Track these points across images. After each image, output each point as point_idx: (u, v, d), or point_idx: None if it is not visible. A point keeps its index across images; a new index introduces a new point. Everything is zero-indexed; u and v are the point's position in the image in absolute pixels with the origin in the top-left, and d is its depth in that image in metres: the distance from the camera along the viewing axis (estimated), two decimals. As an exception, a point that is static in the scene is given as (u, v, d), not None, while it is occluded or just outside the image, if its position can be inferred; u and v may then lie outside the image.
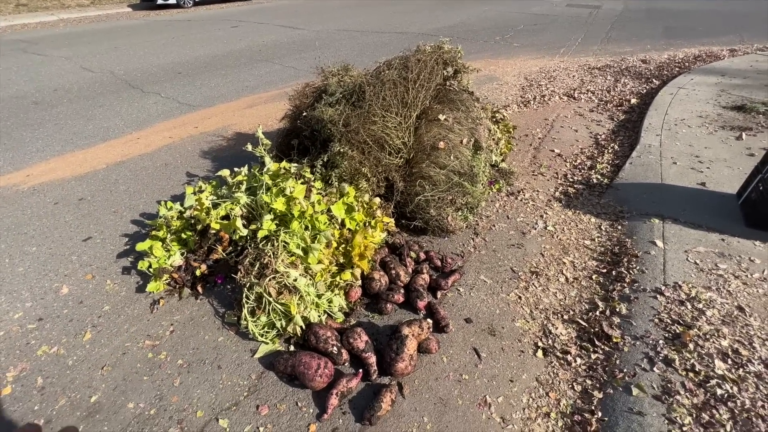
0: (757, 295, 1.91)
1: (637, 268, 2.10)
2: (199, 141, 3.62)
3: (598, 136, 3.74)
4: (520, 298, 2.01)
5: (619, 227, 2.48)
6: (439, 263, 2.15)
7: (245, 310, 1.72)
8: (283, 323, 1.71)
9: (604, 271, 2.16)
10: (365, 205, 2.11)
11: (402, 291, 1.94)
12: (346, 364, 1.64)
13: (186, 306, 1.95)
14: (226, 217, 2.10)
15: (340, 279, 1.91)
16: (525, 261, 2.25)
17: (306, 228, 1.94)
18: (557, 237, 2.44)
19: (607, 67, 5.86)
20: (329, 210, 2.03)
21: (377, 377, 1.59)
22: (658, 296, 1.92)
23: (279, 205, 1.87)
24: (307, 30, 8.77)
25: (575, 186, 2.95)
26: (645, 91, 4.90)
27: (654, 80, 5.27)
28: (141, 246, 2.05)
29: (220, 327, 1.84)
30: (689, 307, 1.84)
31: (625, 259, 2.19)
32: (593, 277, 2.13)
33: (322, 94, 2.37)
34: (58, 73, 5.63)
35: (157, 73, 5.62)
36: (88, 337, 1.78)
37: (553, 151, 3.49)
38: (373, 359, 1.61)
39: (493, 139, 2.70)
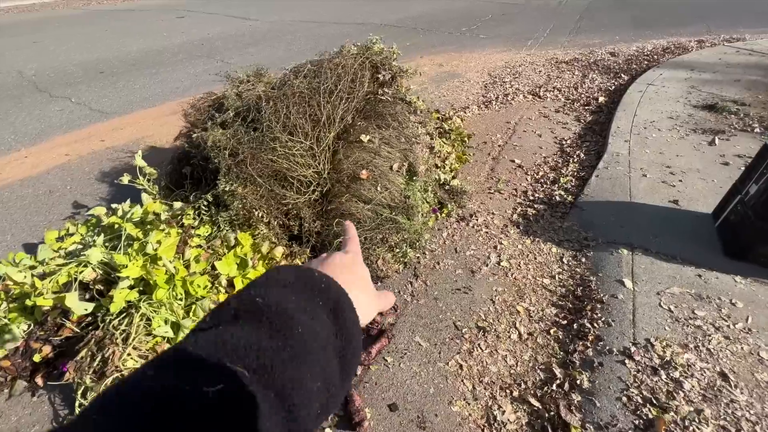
0: (741, 355, 1.57)
1: (603, 319, 1.74)
2: (102, 159, 3.04)
3: (564, 142, 3.39)
4: (461, 367, 1.61)
5: (584, 259, 2.12)
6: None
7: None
8: None
9: (564, 322, 1.79)
10: (265, 258, 1.65)
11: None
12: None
13: (16, 408, 1.45)
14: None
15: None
16: (471, 312, 1.85)
17: (180, 295, 1.47)
18: (512, 275, 2.05)
19: (575, 61, 5.53)
20: (214, 268, 1.56)
21: None
22: (626, 361, 1.55)
23: (132, 271, 1.38)
24: (260, 21, 8.08)
25: (536, 206, 2.57)
26: (614, 87, 4.59)
27: (623, 75, 4.97)
28: (-40, 325, 1.53)
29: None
30: (664, 377, 1.49)
31: (589, 307, 1.82)
32: (551, 331, 1.76)
33: (218, 110, 1.87)
34: (-48, 74, 4.83)
35: (75, 73, 4.90)
36: None
37: (513, 161, 3.10)
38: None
39: (439, 156, 2.28)
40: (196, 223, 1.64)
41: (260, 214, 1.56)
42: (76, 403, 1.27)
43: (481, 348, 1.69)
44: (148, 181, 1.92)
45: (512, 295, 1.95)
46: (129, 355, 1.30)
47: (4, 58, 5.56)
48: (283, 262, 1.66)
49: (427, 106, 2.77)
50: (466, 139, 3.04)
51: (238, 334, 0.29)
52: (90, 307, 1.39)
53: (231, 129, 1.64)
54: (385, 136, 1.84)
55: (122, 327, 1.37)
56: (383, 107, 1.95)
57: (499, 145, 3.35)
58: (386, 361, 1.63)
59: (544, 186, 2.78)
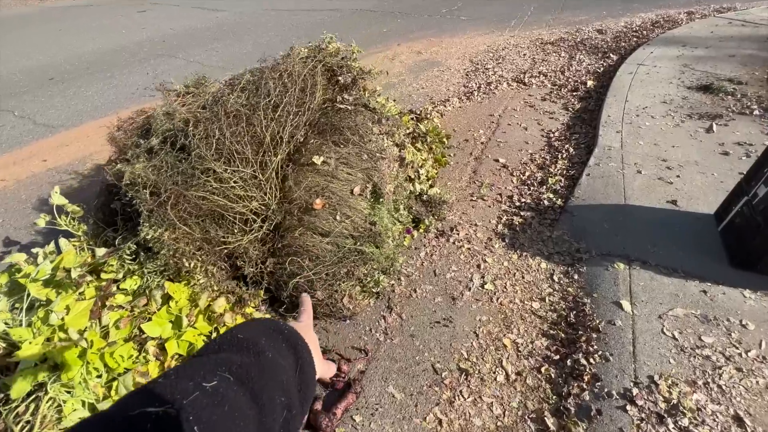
0: (756, 391, 1.38)
1: (600, 352, 1.54)
2: (42, 183, 2.73)
3: (551, 135, 3.14)
4: (440, 422, 1.41)
5: (576, 276, 1.91)
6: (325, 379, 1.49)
7: None
8: None
9: (557, 357, 1.58)
10: (204, 312, 1.40)
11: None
12: None
13: None
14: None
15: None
16: (453, 349, 1.63)
17: (100, 371, 1.22)
18: (497, 300, 1.83)
19: (560, 42, 5.22)
20: (143, 331, 1.31)
21: None
22: (628, 406, 1.36)
23: (30, 350, 1.12)
24: (229, 11, 7.59)
25: (522, 213, 2.34)
26: (602, 69, 4.32)
27: (611, 55, 4.69)
28: None
29: None
30: (671, 425, 1.29)
31: (584, 337, 1.61)
32: (542, 369, 1.55)
33: (146, 134, 1.59)
34: None
35: (20, 81, 4.49)
36: None
37: (497, 161, 2.85)
38: None
39: (412, 167, 2.02)
40: (121, 275, 1.39)
41: (192, 264, 1.31)
42: None
43: (463, 396, 1.48)
44: (73, 220, 1.65)
45: (498, 324, 1.73)
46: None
47: (-54, 67, 5.10)
48: (227, 314, 1.42)
49: (399, 107, 2.50)
50: (444, 139, 2.78)
51: (223, 355, 0.41)
52: (-17, 397, 1.15)
53: (156, 160, 1.36)
54: (344, 154, 1.58)
55: (26, 416, 1.13)
56: (341, 119, 1.68)
57: (482, 143, 3.09)
58: (354, 420, 1.41)
59: (532, 188, 2.55)
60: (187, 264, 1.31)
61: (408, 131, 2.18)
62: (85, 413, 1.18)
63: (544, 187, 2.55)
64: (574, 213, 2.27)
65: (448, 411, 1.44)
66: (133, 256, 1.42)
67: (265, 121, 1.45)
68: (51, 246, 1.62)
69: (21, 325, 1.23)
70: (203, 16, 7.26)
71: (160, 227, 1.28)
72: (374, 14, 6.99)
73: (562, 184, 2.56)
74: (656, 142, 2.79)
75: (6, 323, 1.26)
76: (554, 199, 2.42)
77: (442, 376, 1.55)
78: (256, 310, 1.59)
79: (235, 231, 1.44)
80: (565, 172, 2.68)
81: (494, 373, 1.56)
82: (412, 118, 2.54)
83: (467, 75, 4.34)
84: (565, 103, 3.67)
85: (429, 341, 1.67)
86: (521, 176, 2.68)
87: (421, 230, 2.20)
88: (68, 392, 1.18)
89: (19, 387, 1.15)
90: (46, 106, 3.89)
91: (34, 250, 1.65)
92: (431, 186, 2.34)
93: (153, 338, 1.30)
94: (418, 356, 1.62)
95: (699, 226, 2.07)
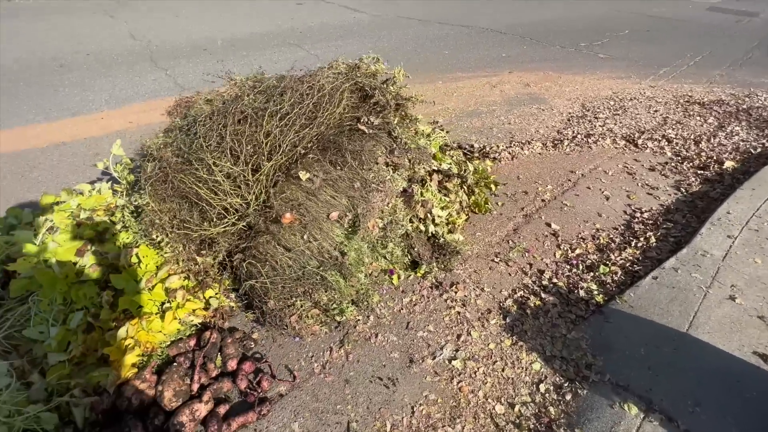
0: None
1: (539, 506, 1.20)
2: (154, 131, 3.35)
3: (636, 216, 2.56)
4: (320, 488, 1.28)
5: (568, 397, 1.52)
6: (244, 385, 1.50)
7: (-65, 398, 1.32)
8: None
9: (487, 483, 1.29)
10: (163, 282, 1.53)
11: (156, 422, 1.36)
12: None
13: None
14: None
15: (91, 380, 1.39)
16: (379, 416, 1.47)
17: (65, 300, 1.45)
18: (457, 383, 1.58)
19: (715, 104, 4.20)
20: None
21: None
22: None
23: (21, 266, 1.39)
24: (367, 14, 8.13)
25: (545, 295, 1.96)
26: (759, 150, 3.33)
27: (784, 135, 3.58)
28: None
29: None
30: None
31: (530, 477, 1.28)
32: (462, 488, 1.28)
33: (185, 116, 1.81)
34: (105, 37, 5.94)
35: (183, 47, 5.58)
36: None
37: (549, 225, 2.45)
38: None
39: (422, 204, 1.86)
40: (119, 225, 1.62)
41: (160, 237, 1.45)
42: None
43: (360, 471, 1.32)
44: (124, 169, 1.98)
45: (443, 411, 1.49)
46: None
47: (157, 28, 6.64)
48: (179, 292, 1.53)
49: (446, 139, 2.33)
50: (492, 185, 2.49)
51: None
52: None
53: (170, 139, 1.55)
54: (333, 176, 1.54)
55: (9, 317, 1.40)
56: (350, 140, 1.64)
57: (542, 200, 2.69)
58: (246, 441, 1.39)
59: (573, 271, 2.12)
60: (155, 236, 1.46)
61: (437, 167, 2.01)
62: (40, 333, 1.40)
63: (591, 274, 2.10)
64: (610, 319, 1.81)
65: (335, 479, 1.30)
66: (136, 214, 1.65)
67: (267, 127, 1.51)
68: (95, 186, 1.97)
69: (35, 240, 1.52)
70: (343, 15, 7.93)
71: (148, 198, 1.46)
72: (502, 36, 6.67)
73: (615, 278, 2.07)
74: (783, 267, 2.04)
75: (34, 235, 1.58)
76: (595, 292, 1.97)
77: (352, 439, 1.41)
78: (217, 295, 1.68)
79: (213, 220, 1.54)
80: (628, 265, 2.15)
81: (407, 463, 1.35)
82: (460, 155, 2.34)
83: (569, 120, 3.82)
84: (680, 180, 2.94)
85: (360, 395, 1.54)
86: (569, 251, 2.25)
87: (418, 274, 2.03)
88: (38, 311, 1.42)
89: (16, 287, 1.44)
90: (189, 70, 4.76)
91: (92, 183, 2.04)
92: (450, 231, 2.13)
93: (112, 288, 1.48)
94: (341, 406, 1.50)
95: (788, 406, 1.44)
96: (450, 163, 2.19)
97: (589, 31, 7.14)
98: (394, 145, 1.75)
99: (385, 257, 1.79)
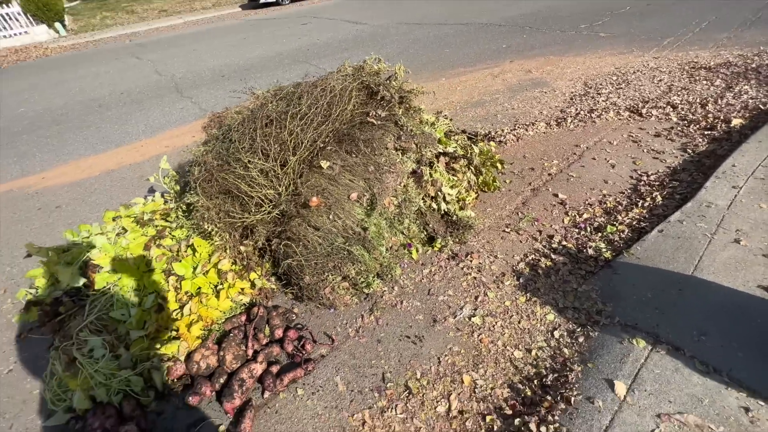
0: None
1: (556, 426, 1.35)
2: (188, 152, 3.72)
3: (642, 179, 2.65)
4: (364, 424, 1.48)
5: (581, 339, 1.66)
6: (290, 348, 1.73)
7: (46, 372, 1.62)
8: (74, 397, 1.55)
9: (509, 413, 1.46)
10: (215, 266, 1.80)
11: (221, 381, 1.61)
12: (102, 467, 1.41)
13: (44, 343, 1.95)
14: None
15: (166, 351, 1.67)
16: (409, 366, 1.66)
17: (141, 285, 1.74)
18: (478, 336, 1.76)
19: (722, 67, 4.19)
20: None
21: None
22: (556, 492, 1.19)
23: (103, 260, 1.69)
24: (368, 25, 8.49)
25: (554, 256, 2.11)
26: (768, 106, 3.33)
27: (796, 88, 3.55)
28: (30, 273, 2.13)
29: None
30: None
31: (547, 403, 1.44)
32: (488, 418, 1.45)
33: (220, 126, 2.10)
34: (134, 77, 6.53)
35: (204, 76, 6.06)
36: (-47, 357, 1.92)
37: (556, 195, 2.59)
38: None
39: (432, 183, 2.06)
40: (174, 225, 1.91)
41: (210, 228, 1.72)
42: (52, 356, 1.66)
43: (396, 410, 1.52)
44: (171, 181, 2.30)
45: (466, 359, 1.67)
46: (87, 325, 1.62)
47: (168, 64, 7.22)
48: (230, 274, 1.79)
49: (449, 125, 2.54)
50: (498, 164, 2.66)
51: None
52: (79, 282, 1.78)
53: (210, 146, 1.83)
54: (349, 162, 1.77)
55: (96, 304, 1.70)
56: (362, 131, 1.87)
57: (549, 174, 2.83)
58: (297, 392, 1.61)
59: (582, 233, 2.25)
60: (206, 227, 1.73)
61: (442, 150, 2.21)
62: (125, 312, 1.69)
63: (599, 234, 2.22)
64: (618, 271, 1.94)
65: (375, 417, 1.50)
66: (187, 213, 1.93)
67: (290, 127, 1.77)
68: (149, 198, 2.29)
69: (110, 242, 1.83)
70: (346, 29, 8.31)
71: (197, 196, 1.74)
72: (501, 29, 6.83)
73: (622, 236, 2.19)
74: (789, 209, 2.09)
75: (108, 239, 1.89)
76: (603, 249, 2.10)
77: (387, 386, 1.60)
78: (261, 277, 1.93)
79: (251, 210, 1.80)
80: (635, 223, 2.27)
81: (437, 402, 1.53)
82: (464, 139, 2.53)
83: (572, 99, 3.93)
84: (687, 143, 3.00)
85: (391, 351, 1.74)
86: (577, 216, 2.38)
87: (435, 248, 2.22)
88: (121, 296, 1.72)
89: (100, 279, 1.74)
90: (211, 96, 5.19)
91: (134, 200, 2.37)
92: (461, 208, 2.32)
93: (176, 275, 1.76)
94: (375, 360, 1.71)
95: (792, 329, 1.53)
96: (455, 147, 2.38)
97: (588, 13, 7.18)
98: (401, 133, 1.97)
99: (402, 233, 2.00)
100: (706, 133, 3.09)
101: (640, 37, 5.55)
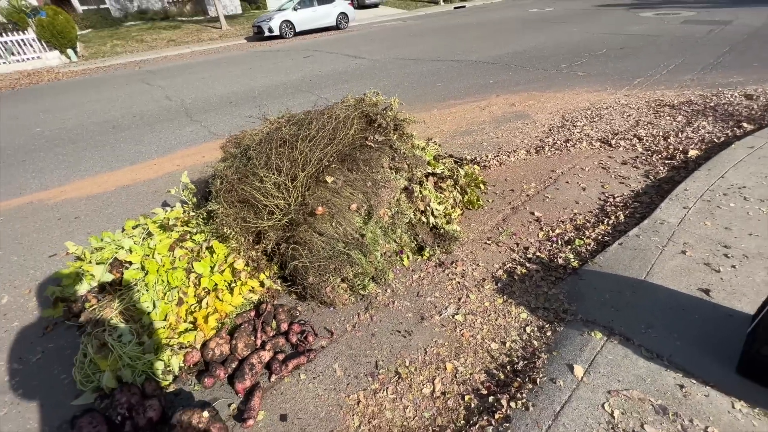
0: (676, 496, 1.25)
1: (523, 401, 1.59)
2: (197, 171, 4.02)
3: (609, 201, 2.99)
4: (358, 403, 1.70)
5: (549, 333, 1.92)
6: (294, 339, 1.96)
7: (78, 355, 1.82)
8: (103, 377, 1.75)
9: (485, 392, 1.69)
10: (230, 266, 2.05)
11: (233, 366, 1.83)
12: (127, 437, 1.59)
13: (67, 335, 2.15)
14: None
15: (183, 340, 1.88)
16: (399, 356, 1.89)
17: (163, 282, 1.97)
18: (460, 331, 2.00)
19: (684, 105, 4.69)
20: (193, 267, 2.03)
21: (142, 462, 1.51)
22: (521, 452, 1.41)
23: (135, 258, 1.94)
24: (367, 59, 9.11)
25: (529, 265, 2.39)
26: (722, 140, 3.76)
27: (746, 125, 4.01)
28: (58, 272, 2.35)
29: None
30: (551, 483, 1.31)
31: (517, 384, 1.67)
32: (466, 398, 1.68)
33: (237, 146, 2.41)
34: (145, 101, 6.94)
35: (213, 102, 6.48)
36: (-16, 348, 2.10)
37: (533, 213, 2.90)
38: (148, 440, 1.54)
39: (421, 199, 2.37)
40: (195, 230, 2.17)
41: (229, 232, 1.98)
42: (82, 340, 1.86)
43: (387, 391, 1.74)
44: (189, 193, 2.57)
45: (449, 350, 1.91)
46: (115, 315, 1.84)
47: (177, 90, 7.67)
48: (243, 273, 2.04)
49: (436, 150, 2.88)
50: (481, 185, 2.99)
51: None
52: (108, 278, 2.01)
53: (229, 162, 2.13)
54: (350, 178, 2.07)
55: (116, 301, 1.93)
56: (361, 153, 2.19)
57: (527, 195, 3.16)
58: (300, 377, 1.82)
59: (554, 246, 2.55)
60: (226, 231, 1.99)
61: (431, 171, 2.54)
62: (149, 306, 1.92)
63: (569, 247, 2.52)
64: (583, 277, 2.22)
65: (369, 398, 1.72)
66: (206, 220, 2.20)
67: (301, 147, 2.08)
68: (168, 208, 2.56)
69: (138, 244, 2.08)
70: (346, 62, 8.92)
71: (218, 204, 2.01)
72: (490, 66, 7.42)
73: (589, 248, 2.48)
74: (729, 226, 2.42)
75: (134, 242, 2.14)
76: (572, 260, 2.39)
77: (380, 371, 1.83)
78: (269, 278, 2.18)
79: (264, 218, 2.07)
80: (599, 237, 2.57)
81: (423, 385, 1.76)
82: (449, 163, 2.87)
83: (550, 130, 4.35)
84: (649, 170, 3.38)
85: (383, 343, 1.97)
86: (550, 232, 2.69)
87: (424, 257, 2.49)
88: (146, 290, 1.95)
89: (129, 274, 1.98)
90: (219, 120, 5.57)
91: (156, 210, 2.63)
92: (447, 222, 2.62)
93: (196, 273, 2.00)
94: (369, 351, 1.93)
95: (722, 323, 1.80)
96: (443, 169, 2.71)
97: (569, 54, 7.85)
98: (395, 155, 2.29)
99: (395, 241, 2.27)
100: (666, 162, 3.48)
101: (613, 77, 6.12)
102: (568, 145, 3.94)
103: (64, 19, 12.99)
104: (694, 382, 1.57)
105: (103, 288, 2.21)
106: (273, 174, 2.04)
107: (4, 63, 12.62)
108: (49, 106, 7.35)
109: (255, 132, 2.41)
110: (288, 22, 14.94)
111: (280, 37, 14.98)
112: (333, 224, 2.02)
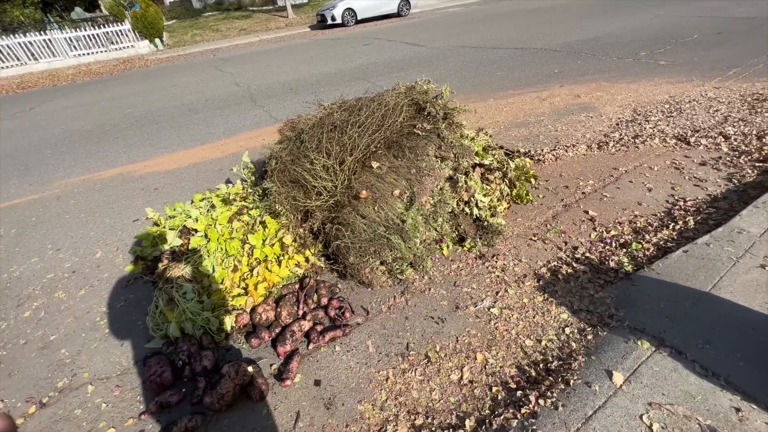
0: None
1: (554, 399, 1.55)
2: (257, 152, 4.32)
3: (679, 204, 2.71)
4: (387, 379, 1.78)
5: (590, 336, 1.84)
6: (332, 314, 2.08)
7: (151, 306, 2.12)
8: (170, 327, 2.02)
9: (513, 387, 1.68)
10: (279, 240, 2.22)
11: (277, 330, 2.00)
12: (186, 380, 1.83)
13: (144, 288, 2.49)
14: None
15: (236, 303, 2.10)
16: (430, 340, 1.93)
17: (221, 250, 2.20)
18: (494, 324, 1.99)
19: (790, 100, 4.03)
20: (248, 238, 2.23)
21: (196, 402, 1.73)
22: (544, 449, 1.39)
23: (200, 226, 2.18)
24: (426, 47, 8.98)
25: (576, 265, 2.28)
26: (835, 141, 3.20)
27: None
28: (138, 235, 2.71)
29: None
30: (573, 483, 1.28)
31: (549, 382, 1.63)
32: (494, 389, 1.68)
33: (292, 130, 2.57)
34: (217, 87, 7.53)
35: (275, 88, 6.85)
36: (82, 293, 2.51)
37: (587, 212, 2.73)
38: (202, 384, 1.76)
39: (466, 189, 2.35)
40: (251, 206, 2.37)
41: (280, 209, 2.14)
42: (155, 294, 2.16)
43: (416, 373, 1.79)
44: (249, 172, 2.80)
45: (481, 342, 1.91)
46: (181, 275, 2.10)
47: (245, 77, 8.20)
48: (290, 247, 2.20)
49: (487, 141, 2.81)
50: (532, 179, 2.87)
51: None
52: (178, 242, 2.29)
53: (284, 144, 2.28)
54: (395, 165, 2.12)
55: (183, 264, 2.19)
56: (408, 140, 2.22)
57: (582, 192, 2.97)
58: (335, 349, 1.95)
59: (606, 247, 2.39)
60: (278, 208, 2.15)
61: (479, 162, 2.49)
62: (209, 269, 2.16)
63: (624, 250, 2.35)
64: (636, 283, 2.07)
65: (397, 376, 1.79)
66: (261, 197, 2.39)
67: (350, 133, 2.16)
68: (230, 185, 2.80)
69: (203, 215, 2.33)
70: (405, 50, 8.87)
71: (272, 183, 2.18)
72: (556, 54, 6.95)
73: (647, 253, 2.30)
74: (827, 242, 2.08)
75: (200, 213, 2.40)
76: (625, 264, 2.23)
77: (410, 353, 1.89)
78: (313, 255, 2.33)
79: (313, 198, 2.21)
80: (662, 243, 2.36)
81: (451, 371, 1.79)
82: (502, 155, 2.79)
83: (617, 125, 4.00)
84: (734, 173, 2.99)
85: (416, 327, 2.02)
86: (605, 232, 2.52)
87: (465, 248, 2.48)
88: (207, 255, 2.19)
89: (194, 241, 2.23)
90: (280, 106, 5.89)
91: (220, 185, 2.89)
92: (492, 215, 2.57)
93: (250, 244, 2.20)
94: (402, 332, 2.00)
95: (802, 349, 1.59)
96: (492, 160, 2.65)
97: (651, 40, 7.07)
98: (442, 144, 2.29)
99: (435, 229, 2.29)
100: (757, 164, 3.05)
101: (702, 67, 5.42)
102: (636, 141, 3.61)
103: (154, 11, 14.42)
104: (755, 407, 1.42)
105: (174, 251, 2.51)
106: (323, 157, 2.16)
107: (105, 51, 14.41)
108: (139, 89, 8.28)
109: (309, 117, 2.54)
110: (350, 10, 15.14)
111: (342, 25, 15.25)
112: (375, 208, 2.09)
